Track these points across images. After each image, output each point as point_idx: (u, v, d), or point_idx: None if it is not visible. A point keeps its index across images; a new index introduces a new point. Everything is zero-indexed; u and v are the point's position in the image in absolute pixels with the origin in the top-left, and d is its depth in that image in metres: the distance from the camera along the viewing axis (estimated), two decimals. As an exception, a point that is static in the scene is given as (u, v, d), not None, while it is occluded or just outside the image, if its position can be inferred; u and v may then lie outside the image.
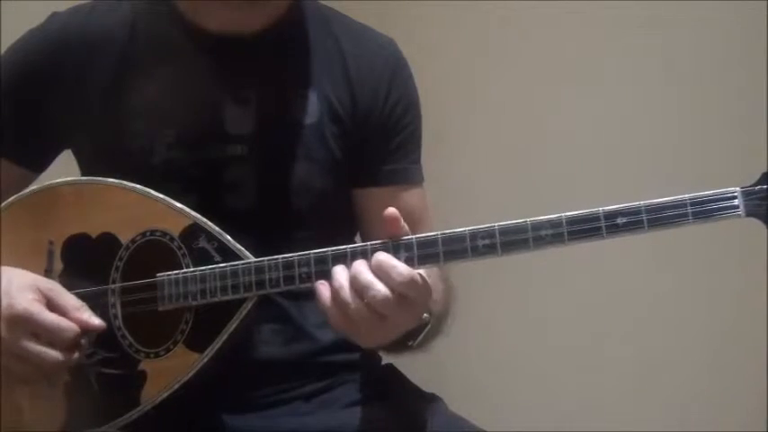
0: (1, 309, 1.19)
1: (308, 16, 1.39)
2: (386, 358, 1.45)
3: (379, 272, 1.10)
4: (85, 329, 1.22)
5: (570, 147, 2.16)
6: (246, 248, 1.22)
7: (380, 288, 1.09)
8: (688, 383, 2.12)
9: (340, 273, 1.12)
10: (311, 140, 1.35)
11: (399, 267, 1.10)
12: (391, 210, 1.14)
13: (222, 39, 1.34)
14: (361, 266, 1.11)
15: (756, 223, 1.07)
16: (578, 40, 2.14)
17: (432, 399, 1.39)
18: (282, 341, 1.34)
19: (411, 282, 1.10)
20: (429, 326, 1.22)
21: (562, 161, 2.16)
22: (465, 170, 2.17)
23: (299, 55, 1.38)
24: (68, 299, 1.23)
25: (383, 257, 1.11)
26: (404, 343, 1.22)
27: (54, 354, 1.20)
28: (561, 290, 2.17)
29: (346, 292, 1.11)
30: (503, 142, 2.22)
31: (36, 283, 1.23)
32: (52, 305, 1.22)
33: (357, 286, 1.10)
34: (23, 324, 1.19)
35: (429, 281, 1.14)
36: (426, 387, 1.41)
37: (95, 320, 1.23)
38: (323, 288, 1.13)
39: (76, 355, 1.22)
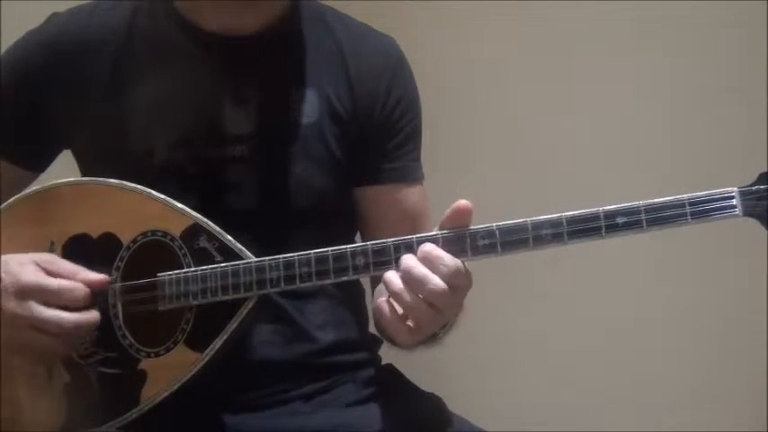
0: (7, 287, 1.21)
1: (307, 16, 1.39)
2: (386, 358, 1.45)
3: (426, 263, 1.11)
4: (91, 286, 1.23)
5: (570, 147, 2.16)
6: (247, 248, 1.22)
7: (437, 282, 1.10)
8: (688, 383, 2.12)
9: (394, 276, 1.13)
10: (311, 140, 1.35)
11: (445, 258, 1.11)
12: (464, 202, 1.13)
13: (222, 38, 1.34)
14: (411, 261, 1.12)
15: (756, 223, 1.07)
16: (579, 40, 2.14)
17: (432, 399, 1.39)
18: (282, 341, 1.34)
19: (457, 271, 1.11)
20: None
21: (562, 161, 2.16)
22: (465, 169, 2.18)
23: (299, 54, 1.37)
24: (66, 265, 1.25)
25: (429, 248, 1.12)
26: (434, 334, 1.22)
27: (70, 316, 1.21)
28: (561, 290, 2.17)
29: (399, 286, 1.12)
30: (503, 141, 2.22)
31: (32, 257, 1.25)
32: (53, 274, 1.23)
33: (411, 281, 1.11)
34: (33, 293, 1.21)
35: None
36: (426, 387, 1.41)
37: (97, 276, 1.25)
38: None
39: (92, 315, 1.23)
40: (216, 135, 1.32)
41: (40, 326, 1.21)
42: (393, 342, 1.33)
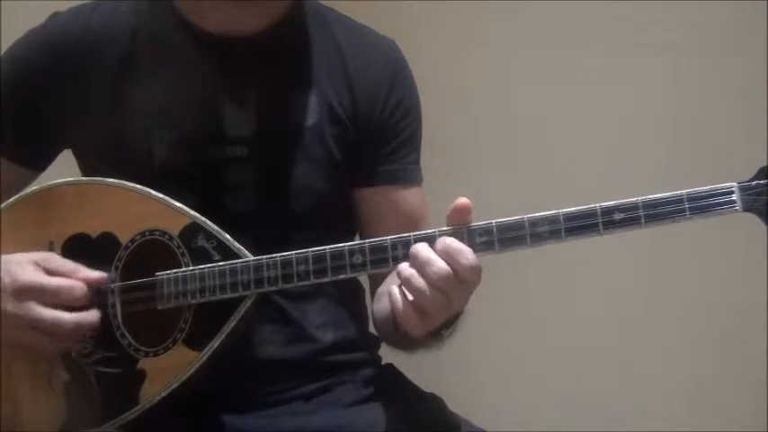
0: (6, 287, 1.21)
1: (307, 17, 1.39)
2: (386, 358, 1.45)
3: (446, 255, 1.11)
4: (90, 284, 1.24)
5: (568, 143, 2.16)
6: (246, 249, 1.22)
7: (441, 265, 1.10)
8: (688, 383, 2.11)
9: (404, 264, 1.13)
10: (311, 141, 1.35)
11: (467, 252, 1.11)
12: (462, 200, 1.14)
13: (222, 39, 1.34)
14: (419, 246, 1.12)
15: (755, 219, 1.07)
16: (577, 40, 2.13)
17: (432, 399, 1.39)
18: (283, 341, 1.34)
19: (477, 268, 1.11)
20: (462, 315, 1.22)
21: (560, 158, 2.16)
22: (463, 168, 2.17)
23: (299, 56, 1.38)
24: (65, 264, 1.25)
25: (450, 241, 1.12)
26: (438, 333, 1.21)
27: (69, 316, 1.21)
28: (560, 290, 2.17)
29: (409, 271, 1.12)
30: (501, 140, 2.22)
31: (31, 256, 1.25)
32: (52, 273, 1.23)
33: (416, 263, 1.11)
34: (31, 293, 1.21)
35: None
36: (426, 387, 1.41)
37: (96, 274, 1.25)
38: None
39: (92, 315, 1.23)
40: (216, 136, 1.32)
41: (39, 326, 1.21)
42: (394, 343, 1.33)
